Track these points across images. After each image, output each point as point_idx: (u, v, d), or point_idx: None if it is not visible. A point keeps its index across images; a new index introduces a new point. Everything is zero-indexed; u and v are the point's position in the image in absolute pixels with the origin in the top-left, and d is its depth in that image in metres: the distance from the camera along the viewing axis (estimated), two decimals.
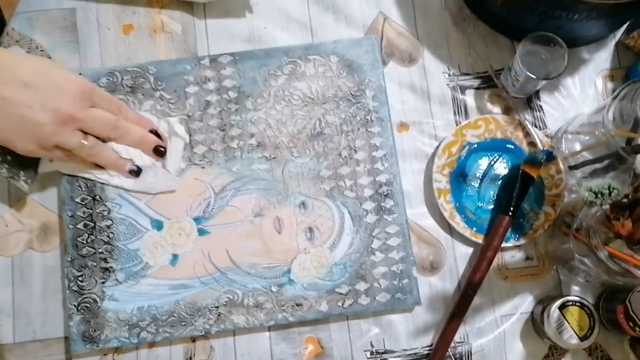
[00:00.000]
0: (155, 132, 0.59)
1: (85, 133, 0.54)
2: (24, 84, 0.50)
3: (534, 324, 0.60)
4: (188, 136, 0.60)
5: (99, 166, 0.58)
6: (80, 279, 0.57)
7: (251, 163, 0.60)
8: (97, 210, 0.59)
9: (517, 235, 0.60)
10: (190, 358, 0.58)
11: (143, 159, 0.58)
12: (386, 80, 0.63)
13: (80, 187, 0.59)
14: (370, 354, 0.59)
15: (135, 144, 0.58)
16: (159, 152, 0.58)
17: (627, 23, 0.65)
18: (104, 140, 0.56)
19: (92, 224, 0.58)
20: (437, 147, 0.62)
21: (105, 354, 0.58)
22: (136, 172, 0.58)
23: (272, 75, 0.62)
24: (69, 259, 0.58)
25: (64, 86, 0.51)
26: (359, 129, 0.61)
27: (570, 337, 0.55)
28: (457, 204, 0.61)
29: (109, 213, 0.59)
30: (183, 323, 0.57)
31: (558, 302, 0.56)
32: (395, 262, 0.59)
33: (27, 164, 0.57)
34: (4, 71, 0.50)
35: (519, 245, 0.61)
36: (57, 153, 0.54)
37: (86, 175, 0.58)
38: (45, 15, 0.64)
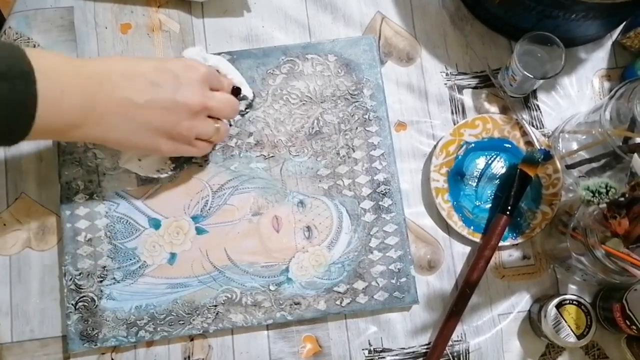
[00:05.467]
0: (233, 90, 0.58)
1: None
2: (151, 84, 0.48)
3: (531, 323, 0.60)
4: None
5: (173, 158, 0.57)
6: (78, 277, 0.57)
7: (249, 162, 0.60)
8: (95, 209, 0.59)
9: (514, 234, 0.60)
10: (189, 357, 0.58)
11: None
12: (384, 80, 0.63)
13: (78, 185, 0.59)
14: (368, 353, 0.59)
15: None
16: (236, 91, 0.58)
17: (624, 23, 0.65)
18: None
19: (90, 223, 0.58)
20: (435, 147, 0.62)
21: (103, 353, 0.58)
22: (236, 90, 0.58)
23: (270, 74, 0.62)
24: (67, 257, 0.58)
25: (186, 76, 0.49)
26: (357, 128, 0.61)
27: (568, 336, 0.56)
28: (455, 203, 0.61)
29: (106, 212, 0.59)
30: (181, 322, 0.57)
31: (555, 301, 0.56)
32: (393, 261, 0.59)
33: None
34: (131, 78, 0.47)
35: (517, 244, 0.61)
36: (200, 145, 0.53)
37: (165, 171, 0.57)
38: (42, 14, 0.64)
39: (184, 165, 0.59)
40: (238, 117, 0.60)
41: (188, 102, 0.49)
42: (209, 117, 0.53)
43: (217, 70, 0.57)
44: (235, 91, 0.57)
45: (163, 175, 0.57)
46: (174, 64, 0.50)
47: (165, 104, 0.48)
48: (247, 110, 0.61)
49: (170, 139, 0.50)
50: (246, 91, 0.60)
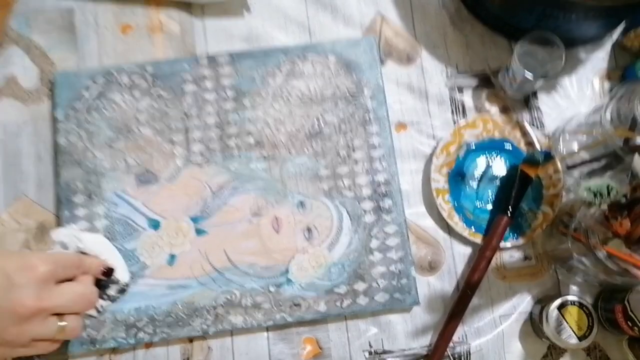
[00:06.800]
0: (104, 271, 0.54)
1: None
2: None
3: (533, 324, 0.59)
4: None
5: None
6: None
7: (249, 162, 0.60)
8: (94, 210, 0.58)
9: (515, 235, 0.60)
10: (188, 359, 0.58)
11: None
12: (384, 80, 0.63)
13: (77, 186, 0.59)
14: (369, 354, 0.59)
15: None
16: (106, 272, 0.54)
17: (624, 23, 0.65)
18: None
19: (89, 224, 0.58)
20: (435, 147, 0.62)
21: (102, 355, 0.57)
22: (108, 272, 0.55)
23: (270, 74, 0.62)
24: None
25: (19, 277, 0.45)
26: (357, 128, 0.61)
27: (569, 337, 0.55)
28: (456, 203, 0.61)
29: (106, 212, 0.58)
30: (180, 323, 0.57)
31: (557, 302, 0.56)
32: (393, 262, 0.58)
33: None
34: None
35: (518, 245, 0.61)
36: (41, 345, 0.47)
37: None
38: (43, 14, 0.64)
39: None
40: (107, 302, 0.55)
41: (16, 307, 0.44)
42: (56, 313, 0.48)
43: (84, 252, 0.53)
44: (107, 272, 0.54)
45: None
46: (8, 263, 0.45)
47: None
48: (118, 295, 0.56)
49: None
50: (121, 274, 0.55)
